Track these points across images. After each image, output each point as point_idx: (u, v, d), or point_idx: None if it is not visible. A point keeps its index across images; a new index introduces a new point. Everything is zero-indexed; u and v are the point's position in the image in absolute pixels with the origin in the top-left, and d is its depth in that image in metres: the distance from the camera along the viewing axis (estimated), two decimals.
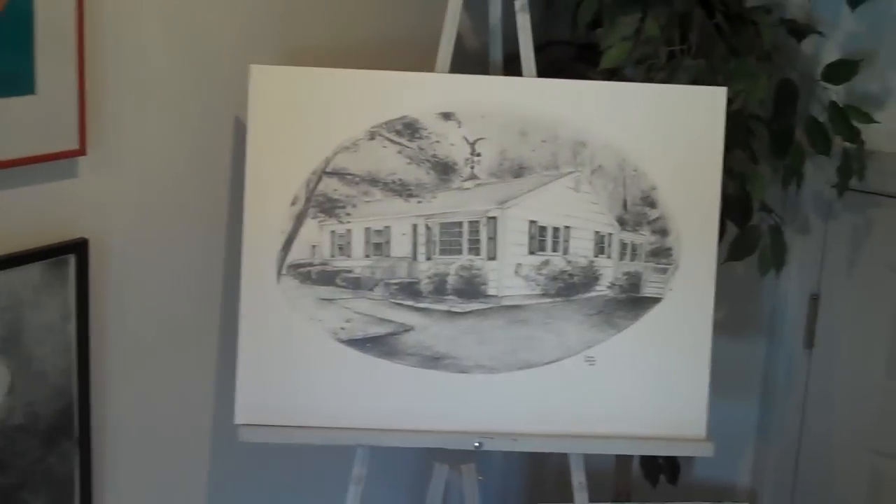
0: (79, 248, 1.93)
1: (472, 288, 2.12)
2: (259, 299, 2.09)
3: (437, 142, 2.10)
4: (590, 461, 2.26)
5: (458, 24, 2.16)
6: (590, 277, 2.14)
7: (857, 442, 2.73)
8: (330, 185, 2.09)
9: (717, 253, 2.17)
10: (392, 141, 2.09)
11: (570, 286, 2.14)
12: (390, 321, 2.11)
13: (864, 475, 2.73)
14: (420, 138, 2.10)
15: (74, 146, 1.88)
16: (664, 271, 2.15)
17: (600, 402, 2.15)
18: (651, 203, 2.15)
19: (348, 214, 2.09)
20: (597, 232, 2.14)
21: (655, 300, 2.15)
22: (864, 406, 2.71)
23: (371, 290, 2.11)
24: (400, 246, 2.11)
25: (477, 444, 2.12)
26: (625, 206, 2.14)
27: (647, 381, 2.15)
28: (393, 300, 2.11)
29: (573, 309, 2.14)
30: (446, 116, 2.10)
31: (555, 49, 2.65)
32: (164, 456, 2.20)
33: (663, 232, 2.15)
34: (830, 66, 2.47)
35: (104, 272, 2.00)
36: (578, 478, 2.20)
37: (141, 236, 2.06)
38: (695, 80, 2.25)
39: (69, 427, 1.98)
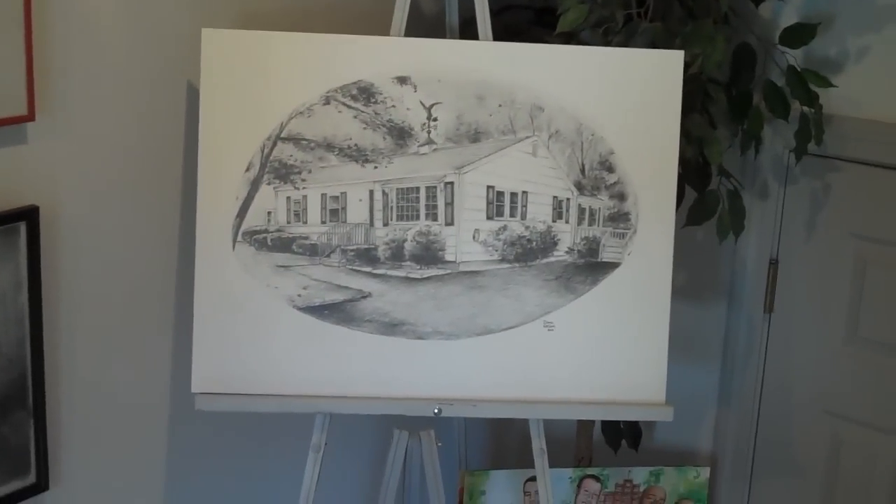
0: (29, 216, 1.90)
1: (429, 254, 2.11)
2: (215, 267, 2.07)
3: (393, 106, 2.08)
4: (551, 427, 2.27)
5: None
6: (548, 243, 2.14)
7: (816, 405, 2.74)
8: (285, 151, 2.07)
9: (675, 217, 2.16)
10: (347, 105, 2.08)
11: (528, 251, 2.13)
12: (347, 288, 2.10)
13: (823, 438, 2.74)
14: (376, 103, 2.08)
15: (23, 112, 1.85)
16: (622, 236, 2.15)
17: (559, 367, 2.15)
18: (609, 167, 2.14)
19: (304, 180, 2.08)
20: (555, 197, 2.13)
21: (614, 265, 2.15)
22: (823, 370, 2.72)
23: (328, 256, 2.09)
24: (356, 212, 2.09)
25: (436, 411, 2.12)
26: (582, 170, 2.13)
27: (606, 346, 2.15)
28: (350, 266, 2.10)
29: (532, 274, 2.13)
30: (402, 80, 2.08)
31: (512, 13, 2.63)
32: (121, 425, 2.19)
33: (621, 196, 2.15)
34: (788, 30, 2.46)
35: (56, 240, 1.98)
36: (539, 443, 2.20)
37: (93, 203, 2.04)
38: (652, 44, 2.25)
39: (23, 397, 1.96)
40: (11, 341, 1.92)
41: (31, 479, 2.01)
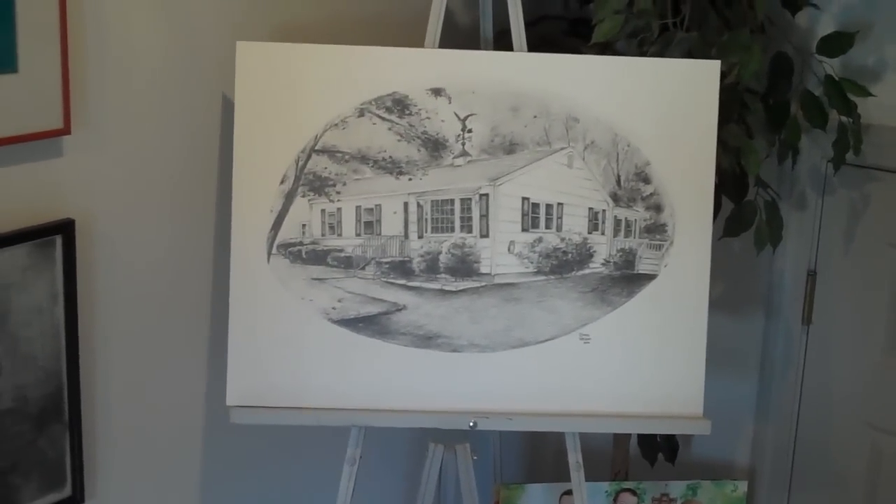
0: (65, 229, 1.91)
1: (464, 266, 2.10)
2: (249, 279, 2.07)
3: (428, 118, 2.08)
4: (587, 440, 2.25)
5: None
6: (584, 254, 2.12)
7: (855, 418, 2.71)
8: (319, 163, 2.06)
9: (712, 229, 2.14)
10: (382, 118, 2.07)
11: (563, 263, 2.12)
12: (382, 300, 2.09)
13: (862, 451, 2.71)
14: (410, 115, 2.07)
15: (59, 125, 1.86)
16: (659, 248, 2.13)
17: (596, 380, 2.13)
18: (645, 178, 2.12)
19: (338, 193, 2.07)
20: (590, 208, 2.12)
21: (650, 277, 2.13)
22: (863, 382, 2.69)
23: (363, 269, 2.09)
24: (391, 224, 2.08)
25: (472, 424, 2.10)
26: (618, 181, 2.12)
27: (642, 359, 2.14)
28: (385, 279, 2.09)
29: (567, 286, 2.12)
30: (437, 92, 2.08)
31: (547, 24, 2.62)
32: (156, 438, 2.19)
33: (658, 208, 2.13)
34: (825, 39, 2.44)
35: (91, 253, 1.99)
36: (575, 457, 2.18)
37: (128, 216, 2.04)
38: (688, 54, 2.23)
39: (59, 410, 1.97)
40: (48, 354, 1.93)
41: (67, 491, 2.01)
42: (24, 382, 1.90)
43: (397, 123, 2.07)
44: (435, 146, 2.08)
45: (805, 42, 2.54)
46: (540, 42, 2.29)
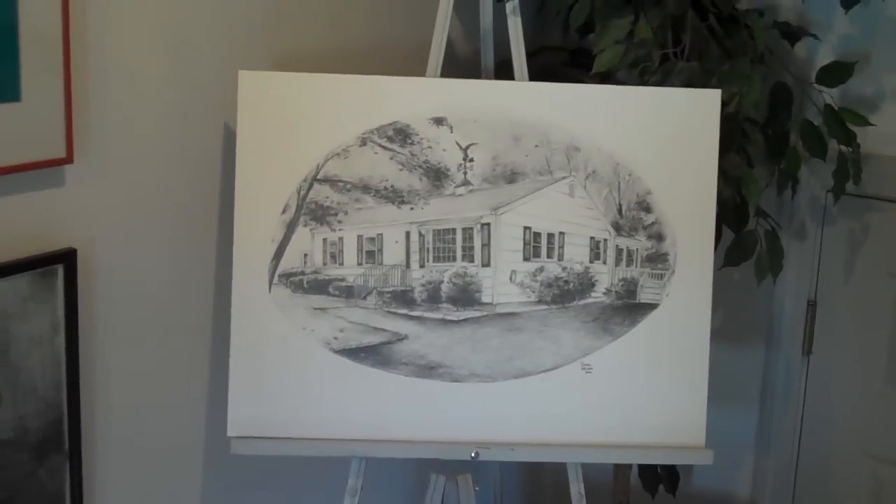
0: (67, 259, 1.90)
1: (466, 295, 2.09)
2: (251, 309, 2.06)
3: (430, 147, 2.08)
4: (588, 471, 2.24)
5: (448, 28, 2.14)
6: (585, 284, 2.12)
7: (856, 448, 2.70)
8: (321, 193, 2.06)
9: (713, 258, 2.14)
10: (384, 147, 2.07)
11: (565, 293, 2.11)
12: (384, 330, 2.08)
13: (864, 482, 2.70)
14: (412, 144, 2.07)
15: (61, 154, 1.85)
16: (661, 277, 2.13)
17: (598, 410, 2.12)
18: (646, 208, 2.12)
19: (340, 222, 2.07)
20: (592, 238, 2.12)
21: (652, 306, 2.13)
22: (864, 412, 2.68)
23: (364, 298, 2.08)
24: (393, 253, 2.08)
25: (473, 455, 2.09)
26: (620, 211, 2.12)
27: (644, 389, 2.13)
28: (386, 309, 2.08)
29: (569, 316, 2.11)
30: (438, 121, 2.08)
31: (548, 54, 2.63)
32: (156, 469, 2.17)
33: (659, 237, 2.13)
34: (825, 69, 2.45)
35: (93, 282, 1.98)
36: (577, 488, 2.17)
37: (130, 246, 2.03)
38: (689, 83, 2.24)
39: (59, 440, 1.95)
40: (48, 384, 1.92)
41: None
42: (24, 413, 1.89)
43: (399, 153, 2.08)
44: (437, 175, 2.08)
45: (804, 72, 2.55)
46: (540, 72, 2.30)
